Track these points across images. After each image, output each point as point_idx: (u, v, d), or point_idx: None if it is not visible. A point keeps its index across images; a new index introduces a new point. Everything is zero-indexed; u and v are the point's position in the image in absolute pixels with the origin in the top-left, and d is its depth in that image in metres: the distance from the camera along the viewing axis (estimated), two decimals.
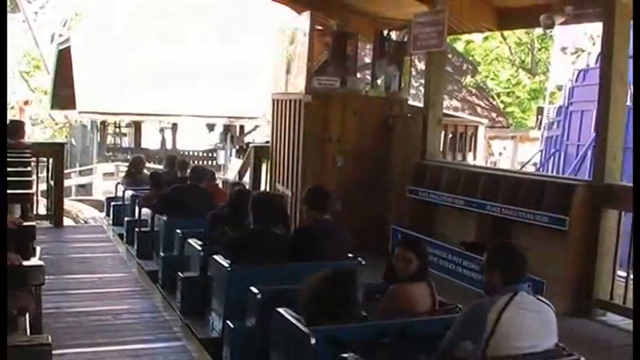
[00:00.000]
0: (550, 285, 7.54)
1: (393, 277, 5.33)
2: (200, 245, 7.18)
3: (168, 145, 29.51)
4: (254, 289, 5.52)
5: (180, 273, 7.33)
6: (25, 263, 3.32)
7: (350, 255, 6.75)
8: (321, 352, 4.43)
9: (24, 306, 3.37)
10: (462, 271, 8.75)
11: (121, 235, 10.97)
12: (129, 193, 11.30)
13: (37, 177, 11.42)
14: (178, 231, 8.03)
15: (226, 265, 6.23)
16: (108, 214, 12.87)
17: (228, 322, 5.81)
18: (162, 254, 8.46)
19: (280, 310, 4.94)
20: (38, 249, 4.57)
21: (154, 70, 25.05)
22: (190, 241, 7.45)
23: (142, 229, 9.67)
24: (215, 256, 6.52)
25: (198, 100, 25.18)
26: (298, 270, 5.29)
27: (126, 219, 10.78)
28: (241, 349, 5.64)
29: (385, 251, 10.25)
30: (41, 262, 3.27)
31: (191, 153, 28.27)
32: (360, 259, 6.67)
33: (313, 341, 4.46)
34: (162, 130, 29.50)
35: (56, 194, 12.24)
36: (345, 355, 4.16)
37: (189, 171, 10.27)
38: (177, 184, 9.80)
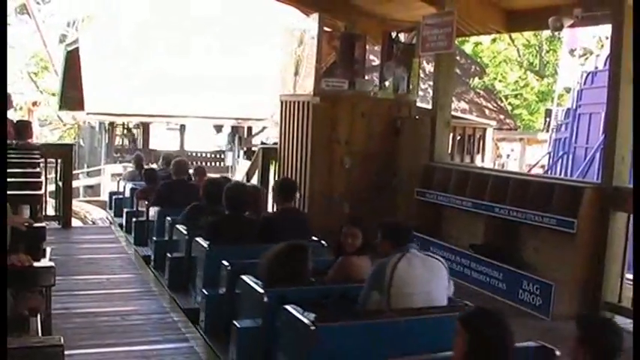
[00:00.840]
0: (558, 287, 7.54)
1: (342, 253, 6.15)
2: (185, 230, 7.98)
3: (176, 147, 29.52)
4: (225, 262, 6.52)
5: (168, 254, 8.30)
6: (36, 264, 3.32)
7: (314, 238, 7.53)
8: (273, 307, 5.27)
9: (35, 307, 3.38)
10: (471, 274, 8.74)
11: (121, 225, 12.03)
12: (129, 186, 12.42)
13: (46, 178, 11.43)
14: (168, 218, 8.83)
15: (205, 245, 7.14)
16: (110, 207, 13.85)
17: (203, 290, 6.83)
18: (154, 239, 9.37)
19: (243, 277, 5.89)
20: (48, 250, 4.57)
21: (161, 77, 25.12)
22: (178, 226, 8.28)
23: (139, 219, 10.52)
24: (197, 239, 7.41)
25: (206, 103, 25.22)
26: (266, 249, 5.94)
27: (125, 210, 11.80)
28: (213, 312, 6.62)
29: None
30: (52, 263, 3.27)
31: (199, 154, 28.27)
32: (323, 241, 7.44)
33: (266, 299, 5.41)
34: (181, 127, 29.48)
35: (64, 195, 12.26)
36: (287, 306, 4.98)
37: (171, 166, 10.88)
38: (166, 181, 10.62)
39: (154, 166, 14.29)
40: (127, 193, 12.50)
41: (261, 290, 5.51)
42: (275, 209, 7.88)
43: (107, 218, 12.88)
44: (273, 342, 5.27)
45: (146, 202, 10.49)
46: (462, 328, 3.96)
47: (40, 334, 3.19)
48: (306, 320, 4.75)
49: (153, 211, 9.88)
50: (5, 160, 4.64)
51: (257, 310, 5.53)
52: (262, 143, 21.88)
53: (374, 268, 5.36)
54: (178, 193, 9.77)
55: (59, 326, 6.10)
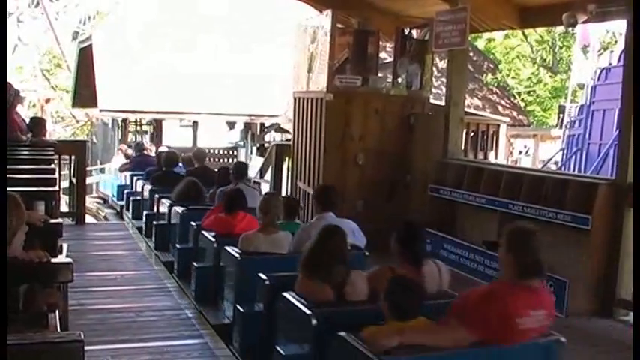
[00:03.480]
0: (572, 284, 7.52)
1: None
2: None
3: (189, 144, 29.57)
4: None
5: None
6: (54, 260, 3.34)
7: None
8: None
9: (53, 302, 3.40)
10: (485, 270, 8.73)
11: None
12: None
13: (60, 174, 11.47)
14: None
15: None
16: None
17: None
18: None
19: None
20: (65, 246, 4.59)
21: (173, 74, 25.19)
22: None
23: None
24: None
25: (218, 100, 25.26)
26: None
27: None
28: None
29: None
30: (69, 259, 3.28)
31: (211, 151, 28.30)
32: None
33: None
34: (194, 124, 29.54)
35: (78, 192, 12.30)
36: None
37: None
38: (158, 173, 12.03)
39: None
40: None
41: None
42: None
43: (124, 224, 12.79)
44: None
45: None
46: None
47: (59, 330, 3.20)
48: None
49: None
50: (5, 160, 4.63)
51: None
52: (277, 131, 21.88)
53: (303, 226, 6.95)
54: (167, 183, 10.92)
55: (74, 322, 6.12)
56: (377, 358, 4.00)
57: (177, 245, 8.83)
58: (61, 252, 4.33)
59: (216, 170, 11.03)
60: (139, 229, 11.50)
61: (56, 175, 8.00)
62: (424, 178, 10.47)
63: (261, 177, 14.81)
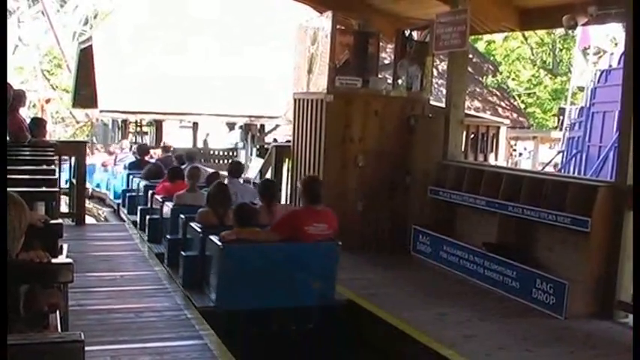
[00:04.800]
0: (572, 286, 7.52)
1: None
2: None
3: (189, 144, 29.58)
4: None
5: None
6: (54, 261, 3.34)
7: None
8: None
9: (55, 303, 3.40)
10: (484, 272, 8.72)
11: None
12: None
13: (60, 175, 11.47)
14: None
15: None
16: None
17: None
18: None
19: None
20: (65, 247, 4.59)
21: (173, 76, 25.25)
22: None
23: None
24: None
25: (219, 101, 25.31)
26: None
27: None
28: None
29: (407, 251, 10.28)
30: (70, 260, 3.27)
31: (211, 152, 28.31)
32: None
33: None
34: (194, 125, 29.61)
35: (78, 192, 12.30)
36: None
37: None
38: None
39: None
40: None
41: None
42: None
43: (124, 225, 12.88)
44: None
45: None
46: None
47: (59, 331, 3.21)
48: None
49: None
50: (5, 160, 4.63)
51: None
52: (274, 140, 22.10)
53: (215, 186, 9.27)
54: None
55: (73, 323, 6.11)
56: (221, 244, 7.56)
57: (168, 236, 9.54)
58: (61, 252, 4.33)
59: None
60: (134, 223, 12.30)
61: (56, 176, 7.99)
62: (424, 179, 10.48)
63: (262, 178, 14.80)
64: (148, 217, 11.12)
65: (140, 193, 12.90)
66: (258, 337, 7.51)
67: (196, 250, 8.33)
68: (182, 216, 9.14)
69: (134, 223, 12.21)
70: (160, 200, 10.61)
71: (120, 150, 24.25)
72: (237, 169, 11.80)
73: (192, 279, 8.20)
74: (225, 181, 10.67)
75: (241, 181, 11.74)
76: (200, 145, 28.72)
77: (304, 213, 7.99)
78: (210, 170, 12.72)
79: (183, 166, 12.25)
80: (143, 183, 12.92)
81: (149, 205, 11.65)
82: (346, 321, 7.95)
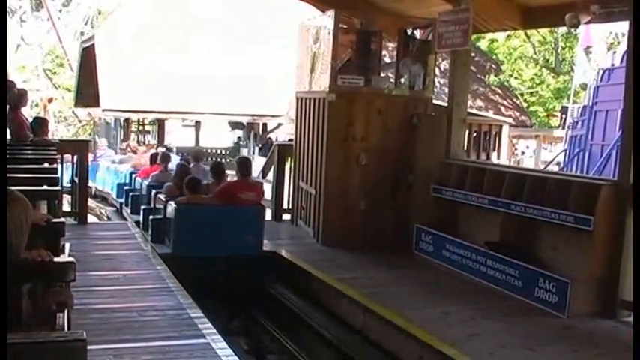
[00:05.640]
0: (575, 285, 7.52)
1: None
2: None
3: (191, 143, 29.62)
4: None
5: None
6: (56, 259, 3.34)
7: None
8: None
9: (63, 301, 3.40)
10: (487, 271, 8.71)
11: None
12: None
13: (62, 174, 11.47)
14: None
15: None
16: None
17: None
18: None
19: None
20: (67, 245, 4.58)
21: (176, 75, 25.26)
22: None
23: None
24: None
25: (221, 100, 25.33)
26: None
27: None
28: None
29: (409, 250, 10.28)
30: (72, 259, 3.28)
31: (213, 151, 28.34)
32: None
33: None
34: (197, 124, 29.63)
35: (80, 191, 12.30)
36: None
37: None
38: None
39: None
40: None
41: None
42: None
43: (127, 224, 12.94)
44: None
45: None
46: None
47: (66, 329, 3.21)
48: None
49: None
50: (5, 160, 4.63)
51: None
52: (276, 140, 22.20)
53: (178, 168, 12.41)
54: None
55: (76, 321, 6.08)
56: (175, 205, 10.32)
57: (142, 207, 12.49)
58: (63, 251, 4.33)
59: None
60: (137, 223, 12.64)
61: (59, 175, 7.99)
62: (427, 178, 10.45)
63: (264, 177, 14.81)
64: (151, 217, 11.44)
65: (143, 193, 13.66)
66: (203, 276, 9.62)
67: (161, 214, 11.08)
68: (153, 191, 12.25)
69: (137, 223, 12.50)
70: (164, 200, 11.07)
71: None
72: (198, 156, 14.74)
73: (157, 235, 10.89)
74: (191, 165, 13.39)
75: (207, 168, 13.34)
76: (202, 144, 28.74)
77: (238, 184, 10.77)
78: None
79: (190, 165, 13.46)
80: (146, 182, 13.79)
81: (152, 205, 12.11)
82: (270, 265, 10.38)
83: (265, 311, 10.05)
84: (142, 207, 12.53)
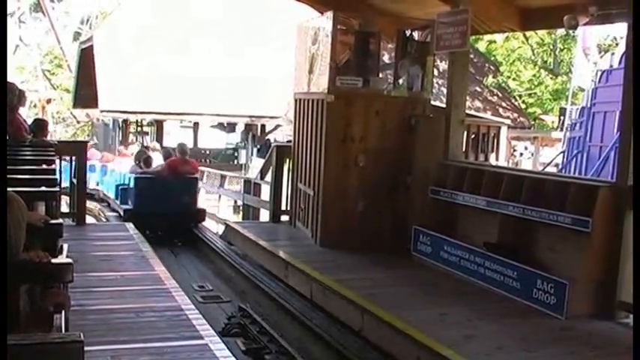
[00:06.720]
0: (573, 286, 7.51)
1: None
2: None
3: (190, 144, 29.62)
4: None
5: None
6: (54, 261, 3.34)
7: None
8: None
9: (61, 302, 3.40)
10: (485, 272, 8.71)
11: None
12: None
13: (61, 175, 11.47)
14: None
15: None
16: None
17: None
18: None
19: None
20: (65, 246, 4.58)
21: (174, 76, 25.26)
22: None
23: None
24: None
25: (219, 102, 25.33)
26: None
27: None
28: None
29: (407, 251, 10.27)
30: (70, 260, 3.28)
31: (212, 151, 28.35)
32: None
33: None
34: (195, 125, 29.67)
35: (78, 192, 12.29)
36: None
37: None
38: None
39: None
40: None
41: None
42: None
43: (125, 225, 13.06)
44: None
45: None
46: None
47: (63, 331, 3.21)
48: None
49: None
50: (5, 160, 4.63)
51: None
52: (275, 140, 22.27)
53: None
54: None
55: (74, 323, 6.09)
56: (135, 177, 15.69)
57: (116, 184, 17.70)
58: (61, 252, 4.32)
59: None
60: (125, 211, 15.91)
61: (57, 176, 7.99)
62: (425, 179, 10.45)
63: (262, 178, 14.82)
64: (120, 187, 16.98)
65: (131, 186, 16.42)
66: (155, 227, 14.42)
67: (127, 185, 16.33)
68: (122, 171, 17.87)
69: (125, 211, 15.57)
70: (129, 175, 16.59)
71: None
72: (183, 150, 16.32)
73: (124, 199, 16.08)
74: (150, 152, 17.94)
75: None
76: (200, 145, 28.74)
77: (178, 160, 15.48)
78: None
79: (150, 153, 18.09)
80: (134, 177, 16.57)
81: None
82: (199, 217, 15.58)
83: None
84: (117, 184, 17.62)
